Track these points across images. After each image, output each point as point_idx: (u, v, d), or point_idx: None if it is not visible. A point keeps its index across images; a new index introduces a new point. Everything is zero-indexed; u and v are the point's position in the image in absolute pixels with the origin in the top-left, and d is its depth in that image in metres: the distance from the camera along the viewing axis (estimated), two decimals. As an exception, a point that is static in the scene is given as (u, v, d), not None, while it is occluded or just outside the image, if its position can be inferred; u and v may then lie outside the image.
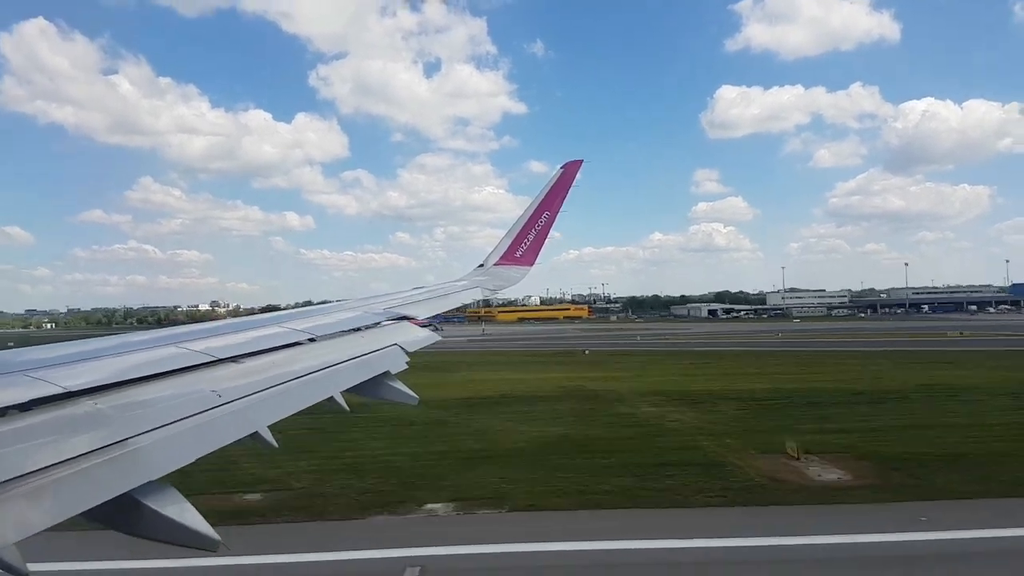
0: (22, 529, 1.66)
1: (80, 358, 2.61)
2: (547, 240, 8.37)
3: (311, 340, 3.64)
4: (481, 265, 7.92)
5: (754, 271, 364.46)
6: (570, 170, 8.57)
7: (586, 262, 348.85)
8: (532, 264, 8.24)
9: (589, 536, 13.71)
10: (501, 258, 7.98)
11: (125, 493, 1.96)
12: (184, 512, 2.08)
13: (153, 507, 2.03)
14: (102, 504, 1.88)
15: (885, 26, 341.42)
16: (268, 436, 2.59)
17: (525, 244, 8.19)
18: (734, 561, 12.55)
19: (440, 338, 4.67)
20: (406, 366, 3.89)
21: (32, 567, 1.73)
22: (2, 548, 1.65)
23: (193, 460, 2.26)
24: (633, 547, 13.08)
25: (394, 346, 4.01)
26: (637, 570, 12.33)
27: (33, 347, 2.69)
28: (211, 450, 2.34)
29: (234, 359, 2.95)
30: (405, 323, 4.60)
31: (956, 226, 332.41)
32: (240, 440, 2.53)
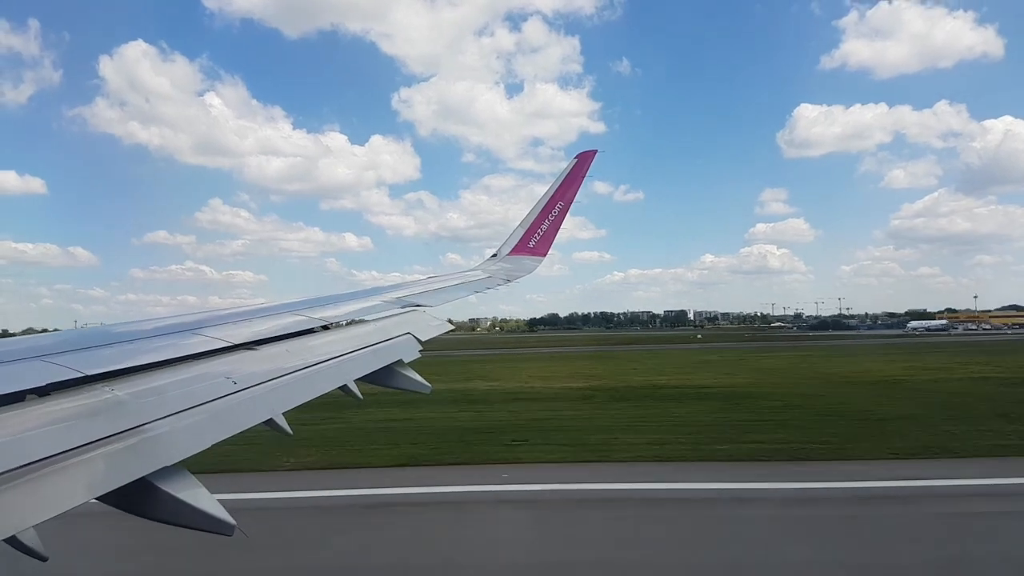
0: (39, 513, 1.68)
1: (96, 343, 2.63)
2: (560, 230, 8.34)
3: (325, 328, 3.66)
4: (495, 255, 7.90)
5: (803, 293, 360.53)
6: (584, 160, 8.52)
7: (631, 283, 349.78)
8: (545, 254, 8.21)
9: None
10: (515, 248, 7.96)
11: (141, 478, 1.98)
12: (200, 497, 2.10)
13: (169, 492, 2.04)
14: (119, 489, 1.90)
15: (989, 42, 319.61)
16: (283, 423, 2.60)
17: (539, 234, 8.15)
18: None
19: (453, 327, 4.67)
20: (419, 355, 3.89)
21: None
22: (21, 531, 1.67)
23: (208, 446, 2.28)
24: None
25: (407, 335, 4.01)
26: None
27: (48, 334, 2.72)
28: (226, 436, 2.35)
29: (249, 346, 2.97)
30: (418, 311, 4.60)
31: (1018, 249, 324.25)
32: (255, 427, 2.55)
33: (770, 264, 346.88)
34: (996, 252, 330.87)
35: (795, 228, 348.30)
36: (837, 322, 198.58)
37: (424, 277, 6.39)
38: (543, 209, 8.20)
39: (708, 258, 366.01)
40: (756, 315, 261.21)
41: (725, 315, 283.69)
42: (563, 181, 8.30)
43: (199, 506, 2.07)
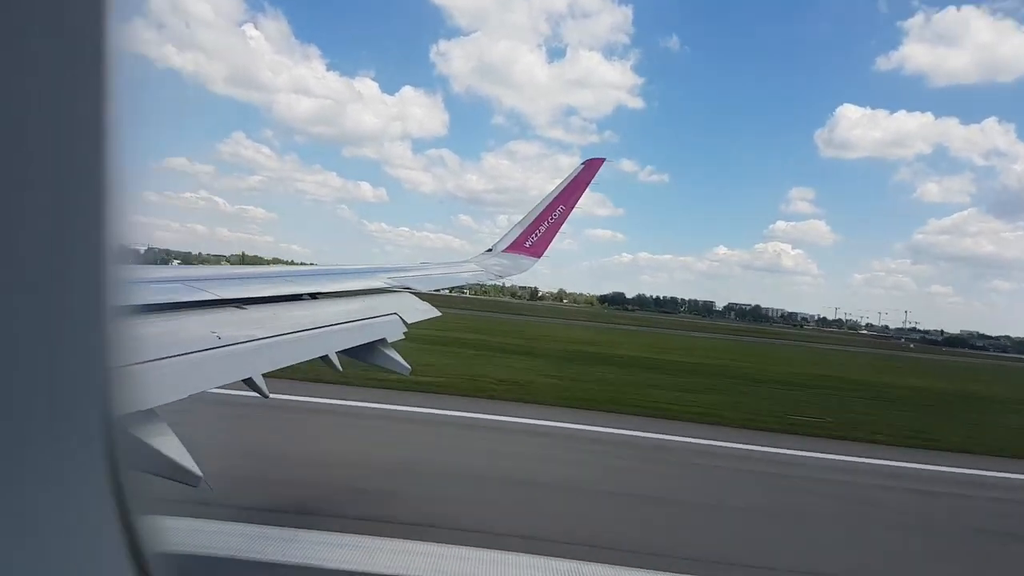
0: None
1: None
2: (558, 234, 8.40)
3: (314, 297, 3.69)
4: (490, 249, 7.95)
5: (810, 296, 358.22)
6: (591, 167, 8.59)
7: (639, 266, 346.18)
8: (540, 256, 8.27)
9: None
10: (510, 246, 8.01)
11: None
12: (170, 445, 2.12)
13: (139, 436, 2.07)
14: None
15: None
16: (261, 383, 2.63)
17: (536, 235, 8.21)
18: None
19: (439, 314, 4.71)
20: (403, 336, 3.93)
21: None
22: None
23: (184, 396, 2.30)
24: None
25: (394, 315, 4.05)
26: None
27: None
28: (203, 389, 2.37)
29: (238, 304, 2.99)
30: (407, 294, 4.64)
31: None
32: (232, 384, 2.57)
33: (783, 263, 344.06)
34: (1016, 279, 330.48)
35: (816, 229, 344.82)
36: (963, 340, 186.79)
37: (417, 264, 6.42)
38: (544, 211, 8.25)
39: (721, 250, 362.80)
40: (823, 319, 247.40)
41: (792, 315, 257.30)
42: (568, 186, 8.36)
43: (168, 454, 2.09)
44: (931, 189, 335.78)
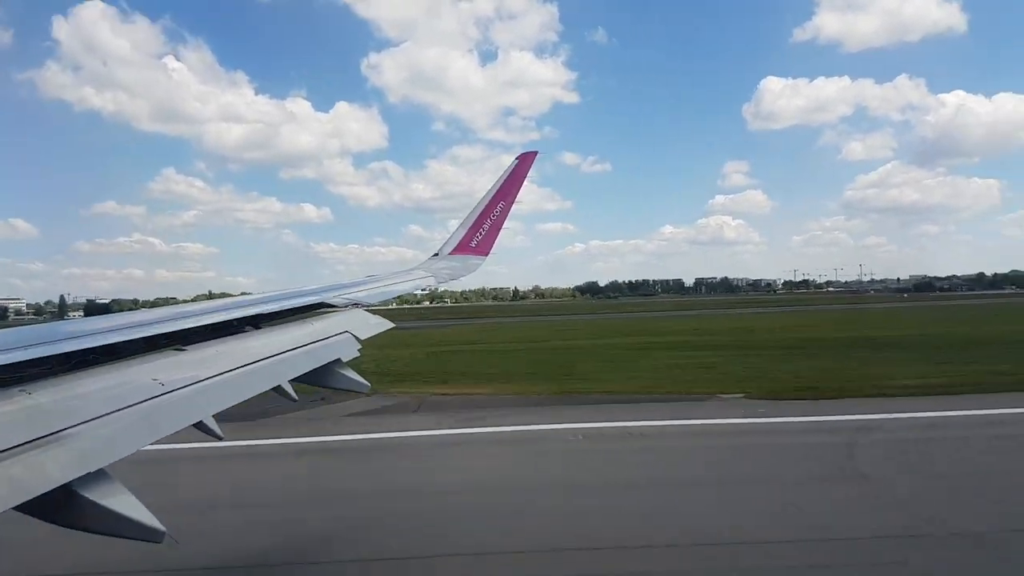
0: None
1: (16, 345, 2.51)
2: (501, 230, 8.41)
3: (259, 327, 3.59)
4: (436, 254, 7.89)
5: (754, 264, 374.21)
6: (525, 161, 8.63)
7: (592, 255, 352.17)
8: (487, 254, 8.26)
9: None
10: (456, 247, 7.98)
11: (64, 485, 1.91)
12: (126, 503, 2.04)
13: (93, 499, 1.98)
14: (39, 497, 1.83)
15: (953, 16, 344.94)
16: (213, 425, 2.56)
17: (480, 234, 8.20)
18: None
19: (392, 325, 4.65)
20: (358, 354, 3.87)
21: None
22: None
23: (134, 451, 2.21)
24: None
25: (345, 333, 3.98)
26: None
27: None
28: (153, 440, 2.29)
29: (178, 348, 2.89)
30: (357, 310, 4.56)
31: (961, 220, 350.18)
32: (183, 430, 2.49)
33: (725, 235, 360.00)
34: (941, 223, 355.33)
35: (752, 200, 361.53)
36: (929, 284, 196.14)
37: (363, 277, 6.33)
38: (485, 208, 8.24)
39: (668, 229, 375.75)
40: (788, 282, 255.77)
41: (757, 282, 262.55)
42: (505, 181, 8.37)
43: (126, 513, 2.02)
44: (855, 148, 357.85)
